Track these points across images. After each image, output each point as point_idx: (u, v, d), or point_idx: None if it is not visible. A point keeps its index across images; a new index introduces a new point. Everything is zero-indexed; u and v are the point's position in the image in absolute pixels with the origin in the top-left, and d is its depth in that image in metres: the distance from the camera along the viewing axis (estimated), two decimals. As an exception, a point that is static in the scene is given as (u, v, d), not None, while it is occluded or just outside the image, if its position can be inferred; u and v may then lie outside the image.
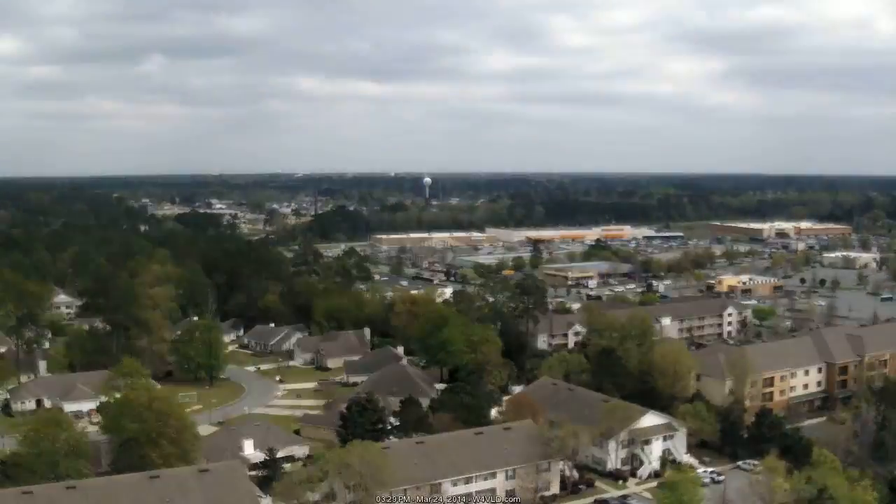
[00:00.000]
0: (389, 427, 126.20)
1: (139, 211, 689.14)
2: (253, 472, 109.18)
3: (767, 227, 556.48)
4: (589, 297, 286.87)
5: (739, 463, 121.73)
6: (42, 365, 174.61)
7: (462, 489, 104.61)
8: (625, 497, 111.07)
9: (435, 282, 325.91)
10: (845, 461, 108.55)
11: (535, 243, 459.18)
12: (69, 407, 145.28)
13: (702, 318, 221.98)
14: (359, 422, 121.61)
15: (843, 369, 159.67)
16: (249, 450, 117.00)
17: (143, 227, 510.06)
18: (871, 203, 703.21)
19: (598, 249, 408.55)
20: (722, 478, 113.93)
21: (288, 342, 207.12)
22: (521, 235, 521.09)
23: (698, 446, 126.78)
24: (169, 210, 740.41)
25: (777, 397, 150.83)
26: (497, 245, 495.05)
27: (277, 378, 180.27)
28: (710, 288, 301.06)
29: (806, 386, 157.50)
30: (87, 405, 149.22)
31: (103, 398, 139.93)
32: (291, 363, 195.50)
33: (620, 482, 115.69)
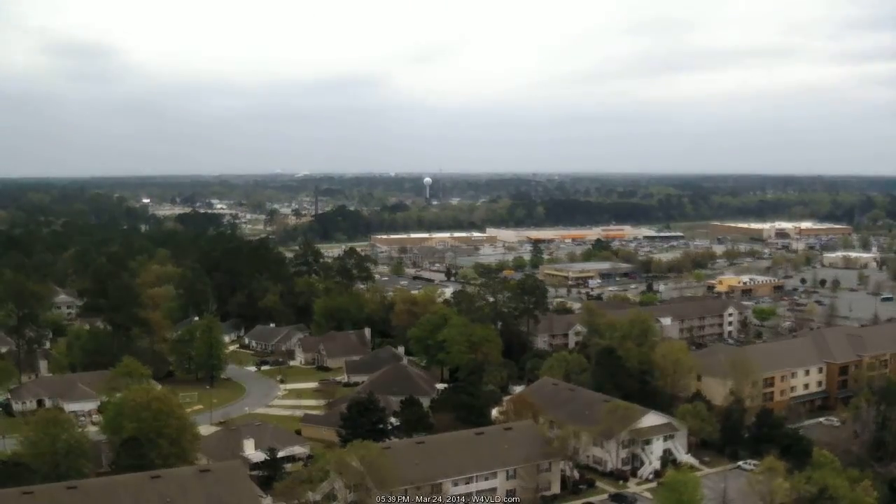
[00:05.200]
0: (390, 427, 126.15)
1: (139, 211, 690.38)
2: (254, 472, 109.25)
3: (768, 227, 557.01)
4: (589, 296, 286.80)
5: (740, 463, 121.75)
6: (43, 365, 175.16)
7: (462, 489, 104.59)
8: (625, 497, 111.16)
9: (435, 282, 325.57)
10: (845, 461, 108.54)
11: (536, 243, 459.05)
12: (70, 407, 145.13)
13: (702, 318, 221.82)
14: (359, 422, 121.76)
15: (844, 369, 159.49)
16: (250, 450, 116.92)
17: (143, 227, 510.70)
18: (871, 203, 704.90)
19: (598, 249, 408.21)
20: None
21: (288, 342, 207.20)
22: (521, 235, 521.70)
23: (699, 446, 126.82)
24: (169, 210, 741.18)
25: (777, 397, 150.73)
26: (497, 245, 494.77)
27: (278, 378, 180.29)
28: (710, 288, 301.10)
29: (806, 386, 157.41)
30: (88, 405, 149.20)
31: (104, 398, 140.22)
32: (292, 363, 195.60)
33: (621, 482, 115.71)
